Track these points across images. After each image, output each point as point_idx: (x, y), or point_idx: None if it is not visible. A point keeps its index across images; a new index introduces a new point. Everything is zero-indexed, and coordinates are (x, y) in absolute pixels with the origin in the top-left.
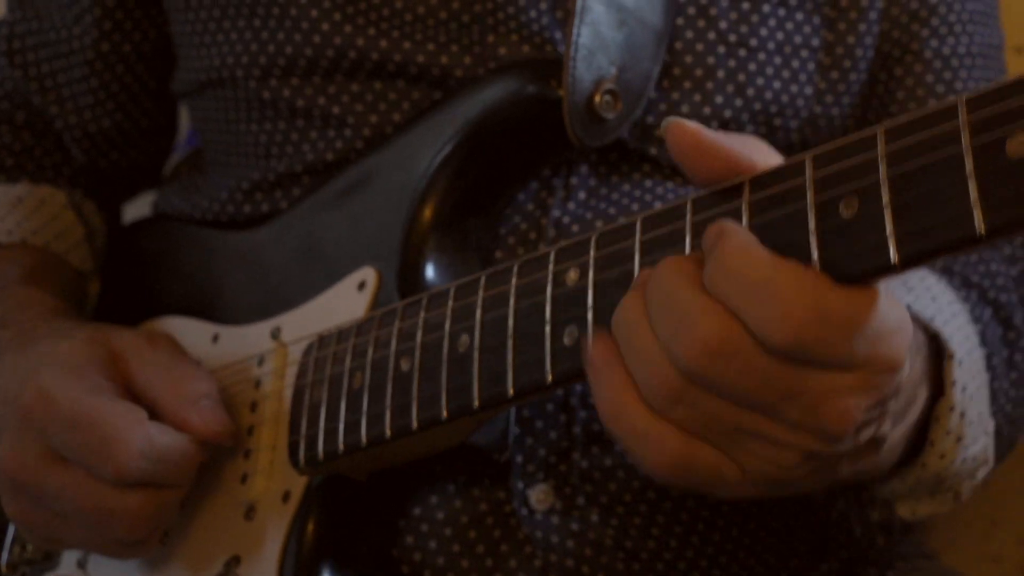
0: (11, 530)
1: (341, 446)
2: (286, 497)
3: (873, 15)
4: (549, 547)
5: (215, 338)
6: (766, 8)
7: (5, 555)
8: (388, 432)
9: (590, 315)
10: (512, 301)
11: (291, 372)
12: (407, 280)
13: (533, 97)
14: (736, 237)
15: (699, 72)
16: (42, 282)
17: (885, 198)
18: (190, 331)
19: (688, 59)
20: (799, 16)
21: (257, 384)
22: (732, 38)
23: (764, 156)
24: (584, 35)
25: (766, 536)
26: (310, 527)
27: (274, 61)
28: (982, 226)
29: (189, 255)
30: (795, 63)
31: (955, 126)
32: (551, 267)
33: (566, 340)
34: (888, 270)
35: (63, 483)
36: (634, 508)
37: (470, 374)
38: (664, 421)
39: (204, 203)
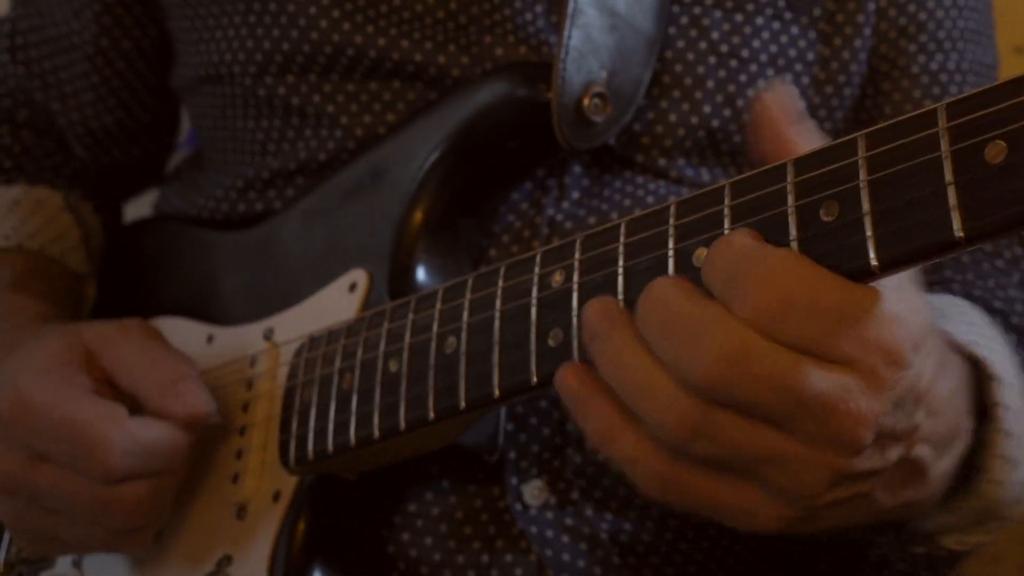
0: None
1: (330, 446)
2: (277, 497)
3: (868, 31)
4: (544, 542)
5: (209, 339)
6: (760, 21)
7: (2, 554)
8: (376, 432)
9: (574, 318)
10: (498, 303)
11: (282, 373)
12: (398, 282)
13: (523, 99)
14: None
15: (688, 81)
16: (30, 288)
17: (865, 203)
18: (185, 331)
19: (678, 68)
20: (794, 30)
21: (249, 385)
22: (724, 49)
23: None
24: (575, 38)
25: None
26: (300, 526)
27: (270, 57)
28: (961, 231)
29: (185, 255)
30: (788, 77)
31: (935, 132)
32: (537, 270)
33: (551, 342)
34: (867, 274)
35: (54, 480)
36: (628, 502)
37: (457, 375)
38: (655, 443)
39: (201, 201)
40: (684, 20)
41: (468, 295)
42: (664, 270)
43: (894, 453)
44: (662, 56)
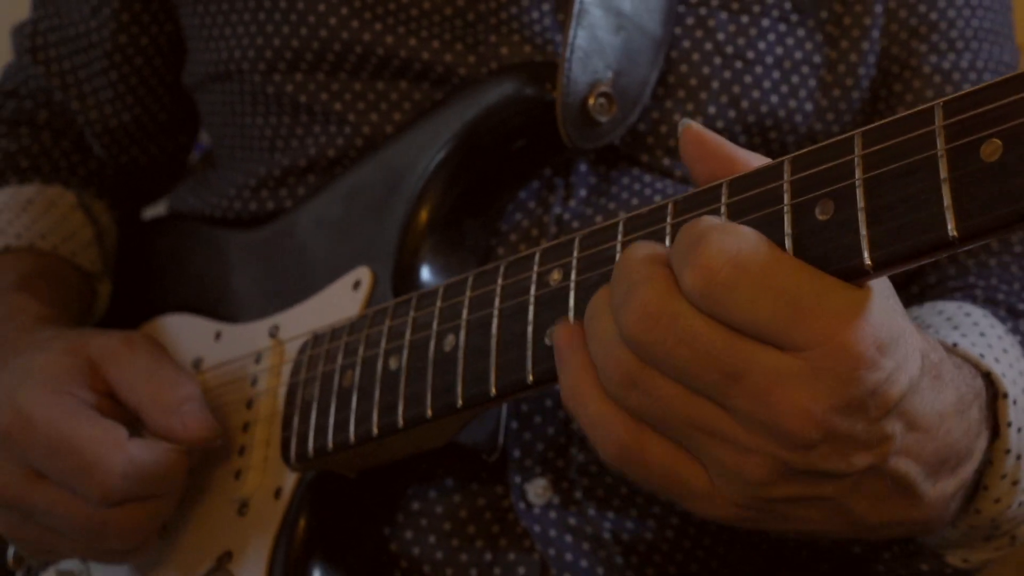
0: None
1: (330, 443)
2: (278, 493)
3: (875, 33)
4: (547, 541)
5: (217, 335)
6: (766, 23)
7: (11, 550)
8: (375, 430)
9: (572, 315)
10: (497, 301)
11: (286, 370)
12: (402, 280)
13: (528, 99)
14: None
15: (693, 81)
16: (37, 289)
17: (860, 201)
18: (194, 328)
19: (683, 68)
20: (800, 32)
21: (254, 381)
22: (729, 50)
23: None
24: (580, 37)
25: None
26: (301, 523)
27: (280, 55)
28: (955, 230)
29: (196, 253)
30: (794, 78)
31: (931, 130)
32: (535, 268)
33: (547, 341)
34: (862, 272)
35: (51, 500)
36: (631, 500)
37: (455, 373)
38: (617, 407)
39: (214, 200)
40: (690, 21)
41: (468, 293)
42: None
43: (860, 460)
44: (667, 56)
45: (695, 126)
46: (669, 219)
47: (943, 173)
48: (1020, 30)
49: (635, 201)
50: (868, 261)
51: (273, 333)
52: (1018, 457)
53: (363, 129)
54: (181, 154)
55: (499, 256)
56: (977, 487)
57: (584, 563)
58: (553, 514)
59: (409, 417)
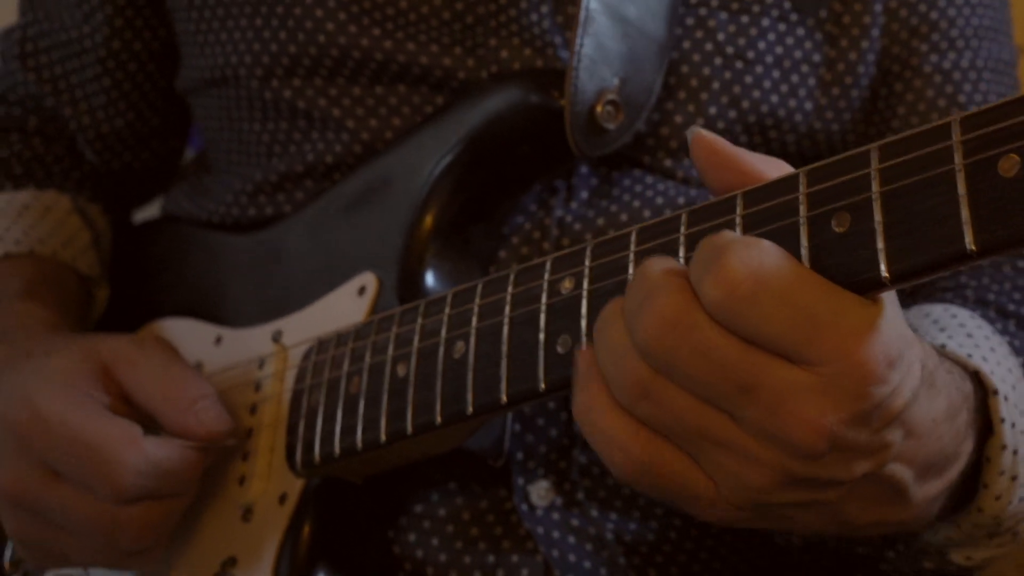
0: None
1: (337, 449)
2: (283, 499)
3: (875, 32)
4: (550, 543)
5: (218, 340)
6: (765, 22)
7: (8, 552)
8: (383, 437)
9: (584, 324)
10: (507, 309)
11: (290, 375)
12: (407, 286)
13: (535, 106)
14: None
15: (694, 82)
16: (42, 295)
17: (877, 215)
18: (193, 332)
19: (684, 69)
20: (800, 31)
21: (257, 387)
22: (729, 50)
23: (780, 173)
24: (587, 45)
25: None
26: (306, 530)
27: (277, 61)
28: (973, 244)
29: (194, 257)
30: (794, 78)
31: (948, 145)
32: (547, 276)
33: (559, 349)
34: (879, 285)
35: (65, 497)
36: (633, 502)
37: (465, 380)
38: (631, 422)
39: (211, 206)
40: (690, 21)
41: (477, 300)
42: None
43: (860, 467)
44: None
45: (705, 134)
46: (683, 229)
47: (961, 188)
48: (1019, 30)
49: (636, 203)
50: (885, 274)
51: (276, 338)
52: (1015, 452)
53: (362, 135)
54: (174, 158)
55: (500, 259)
56: (967, 488)
57: (587, 564)
58: (556, 515)
59: (418, 424)
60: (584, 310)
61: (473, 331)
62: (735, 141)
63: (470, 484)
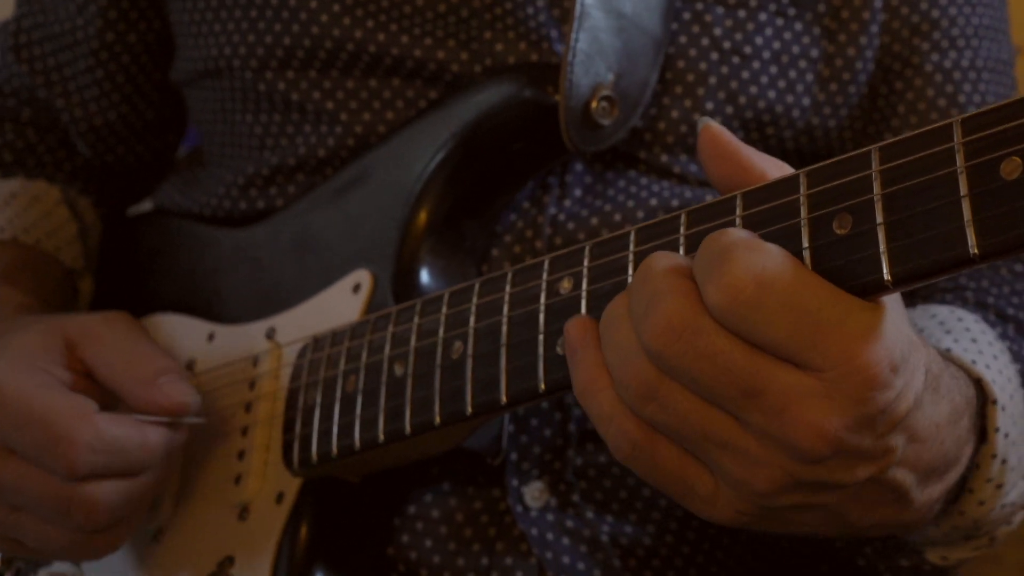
0: None
1: (335, 449)
2: (280, 498)
3: (874, 28)
4: (545, 544)
5: (210, 336)
6: (763, 17)
7: None
8: (381, 436)
9: None
10: (506, 309)
11: (286, 374)
12: (402, 283)
13: (530, 101)
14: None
15: (690, 77)
16: (21, 282)
17: (879, 216)
18: (186, 328)
19: (680, 64)
20: (798, 27)
21: (252, 385)
22: (726, 45)
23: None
24: (582, 41)
25: (765, 535)
26: (304, 529)
27: (271, 52)
28: (975, 247)
29: (186, 251)
30: (792, 73)
31: (950, 146)
32: (545, 276)
33: (559, 349)
34: (881, 287)
35: (19, 474)
36: (629, 504)
37: (463, 380)
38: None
39: (202, 198)
40: (686, 16)
41: (475, 300)
42: None
43: (863, 472)
44: (665, 53)
45: (714, 125)
46: (682, 230)
47: (963, 190)
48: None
49: (631, 203)
50: (888, 277)
51: (270, 335)
52: (1003, 461)
53: (355, 128)
54: (168, 152)
55: (493, 257)
56: (961, 489)
57: (581, 566)
58: (550, 517)
59: (416, 423)
60: (583, 310)
61: (471, 331)
62: None
63: (464, 485)
